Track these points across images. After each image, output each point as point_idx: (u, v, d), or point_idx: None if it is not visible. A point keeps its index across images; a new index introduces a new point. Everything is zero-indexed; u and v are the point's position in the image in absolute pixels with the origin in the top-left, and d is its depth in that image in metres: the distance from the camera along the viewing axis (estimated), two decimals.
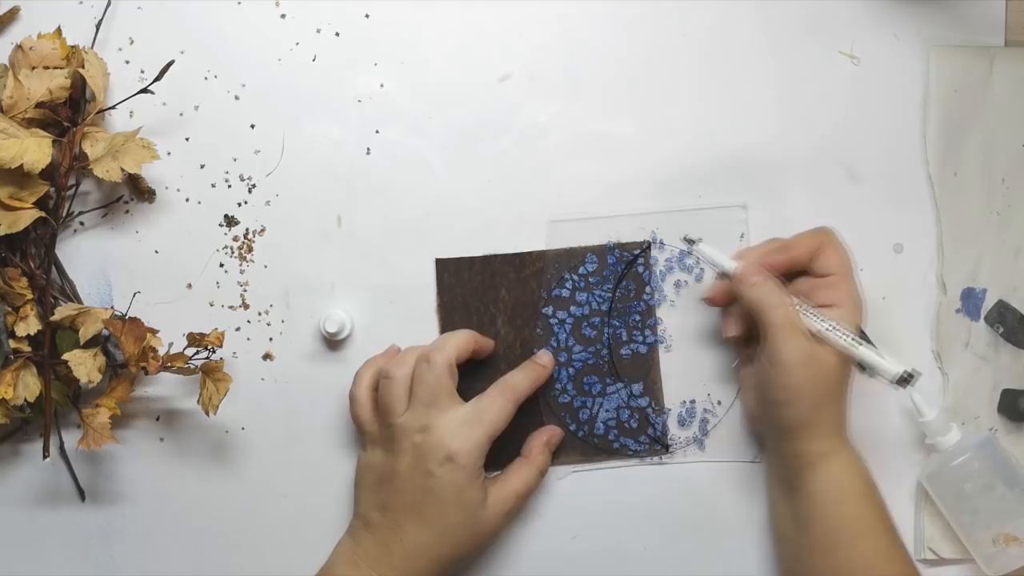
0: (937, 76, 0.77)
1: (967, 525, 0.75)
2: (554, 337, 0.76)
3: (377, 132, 0.76)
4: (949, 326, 0.78)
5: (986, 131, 0.78)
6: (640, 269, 0.77)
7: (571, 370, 0.77)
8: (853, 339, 0.70)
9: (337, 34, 0.76)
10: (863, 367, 0.71)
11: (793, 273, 0.73)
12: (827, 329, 0.69)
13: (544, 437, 0.76)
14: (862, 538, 0.69)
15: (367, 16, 0.76)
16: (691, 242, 0.74)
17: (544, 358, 0.75)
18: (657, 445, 0.77)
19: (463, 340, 0.73)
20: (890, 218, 0.78)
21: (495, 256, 0.77)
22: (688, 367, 0.77)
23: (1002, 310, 0.78)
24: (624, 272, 0.77)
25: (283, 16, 0.76)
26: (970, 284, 0.78)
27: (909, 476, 0.78)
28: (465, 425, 0.70)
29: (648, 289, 0.77)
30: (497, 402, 0.71)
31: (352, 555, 0.71)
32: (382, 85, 0.76)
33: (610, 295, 0.77)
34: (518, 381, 0.73)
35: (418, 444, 0.70)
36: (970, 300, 0.78)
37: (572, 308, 0.77)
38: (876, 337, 0.77)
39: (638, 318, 0.77)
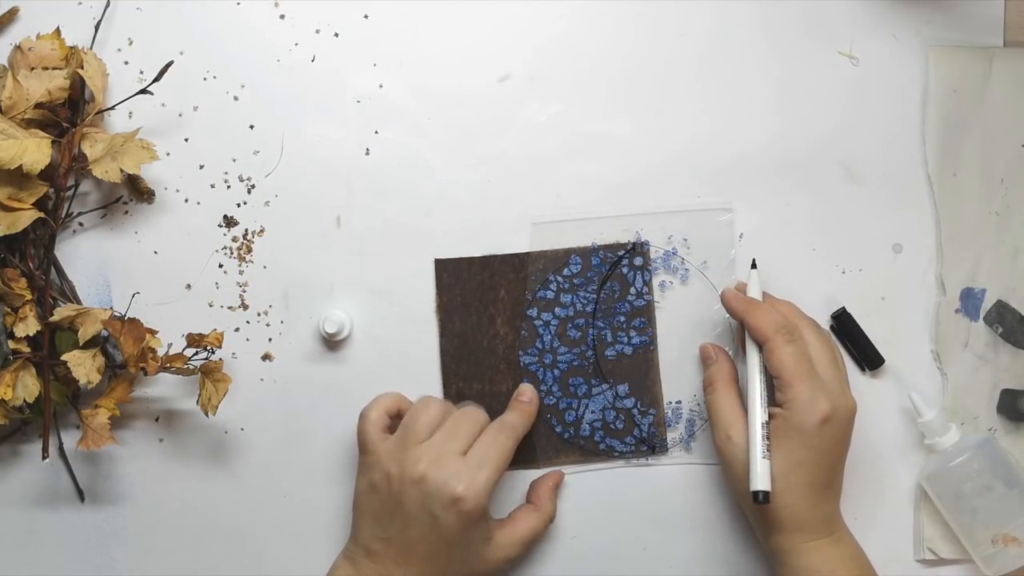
0: (936, 76, 0.77)
1: (966, 525, 0.75)
2: (539, 339, 0.76)
3: (376, 132, 0.76)
4: (948, 326, 0.78)
5: (985, 131, 0.78)
6: (624, 270, 0.77)
7: (556, 372, 0.77)
8: (758, 429, 0.70)
9: (336, 35, 0.76)
10: None
11: None
12: (748, 407, 0.71)
13: (549, 483, 0.76)
14: None
15: (366, 17, 0.76)
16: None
17: (526, 395, 0.75)
18: (644, 446, 0.77)
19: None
20: (889, 218, 0.78)
21: (494, 256, 0.77)
22: (673, 368, 0.77)
23: (1001, 310, 0.78)
24: (608, 273, 0.77)
25: (282, 17, 0.76)
26: (969, 284, 0.78)
27: (908, 476, 0.78)
28: (471, 468, 0.69)
29: (633, 290, 0.77)
30: (498, 439, 0.71)
31: None
32: (381, 85, 0.76)
33: (595, 296, 0.77)
34: (513, 419, 0.73)
35: (425, 479, 0.68)
36: (969, 300, 0.78)
37: (557, 310, 0.77)
38: (876, 338, 0.77)
39: (623, 319, 0.77)
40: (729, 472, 0.72)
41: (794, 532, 0.70)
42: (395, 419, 0.74)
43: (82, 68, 0.71)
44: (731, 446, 0.71)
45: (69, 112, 0.73)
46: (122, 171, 0.71)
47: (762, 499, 0.68)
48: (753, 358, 0.72)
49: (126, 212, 0.76)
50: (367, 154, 0.76)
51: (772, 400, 0.71)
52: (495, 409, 0.76)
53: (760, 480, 0.68)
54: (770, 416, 0.70)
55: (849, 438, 0.71)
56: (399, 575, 0.70)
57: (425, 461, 0.69)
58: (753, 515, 0.72)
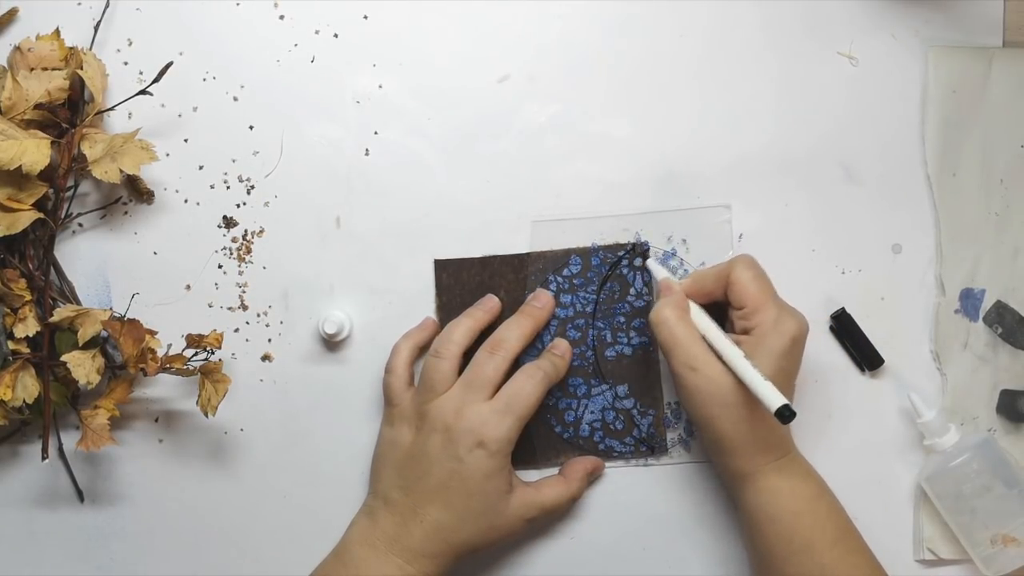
0: (935, 76, 0.77)
1: (965, 526, 0.75)
2: (539, 339, 0.76)
3: (376, 133, 0.76)
4: (948, 326, 0.78)
5: (984, 131, 0.78)
6: (624, 271, 0.77)
7: None
8: (742, 359, 0.68)
9: (336, 35, 0.76)
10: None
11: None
12: (715, 342, 0.70)
13: (588, 466, 0.76)
14: (797, 556, 0.69)
15: (366, 17, 0.76)
16: (644, 256, 0.76)
17: (559, 348, 0.75)
18: (643, 447, 0.77)
19: (527, 331, 0.74)
20: (889, 218, 0.78)
21: (494, 257, 0.77)
22: None
23: (1001, 310, 0.78)
24: (608, 274, 0.77)
25: (282, 17, 0.76)
26: (969, 284, 0.78)
27: (908, 477, 0.78)
28: (497, 413, 0.70)
29: (632, 291, 0.77)
30: (526, 386, 0.71)
31: (369, 534, 0.72)
32: (381, 86, 0.76)
33: (594, 297, 0.77)
34: (546, 366, 0.73)
35: (450, 427, 0.70)
36: (969, 300, 0.78)
37: (557, 310, 0.77)
38: (876, 339, 0.77)
39: (623, 319, 0.77)
40: (696, 400, 0.70)
41: (757, 455, 0.70)
42: (423, 352, 0.75)
43: (81, 69, 0.71)
44: (696, 376, 0.69)
45: (68, 113, 0.73)
46: (122, 172, 0.71)
47: (789, 415, 0.66)
48: (695, 307, 0.72)
49: (126, 213, 0.76)
50: (367, 154, 0.76)
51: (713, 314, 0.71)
52: None
53: (777, 397, 0.66)
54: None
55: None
56: (416, 522, 0.70)
57: (450, 410, 0.71)
58: (716, 441, 0.71)
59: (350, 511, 0.74)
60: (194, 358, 0.72)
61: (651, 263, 0.76)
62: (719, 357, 0.69)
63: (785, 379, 0.70)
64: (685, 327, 0.70)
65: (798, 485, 0.71)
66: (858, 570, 0.70)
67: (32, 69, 0.72)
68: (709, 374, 0.69)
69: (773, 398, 0.66)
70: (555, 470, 0.77)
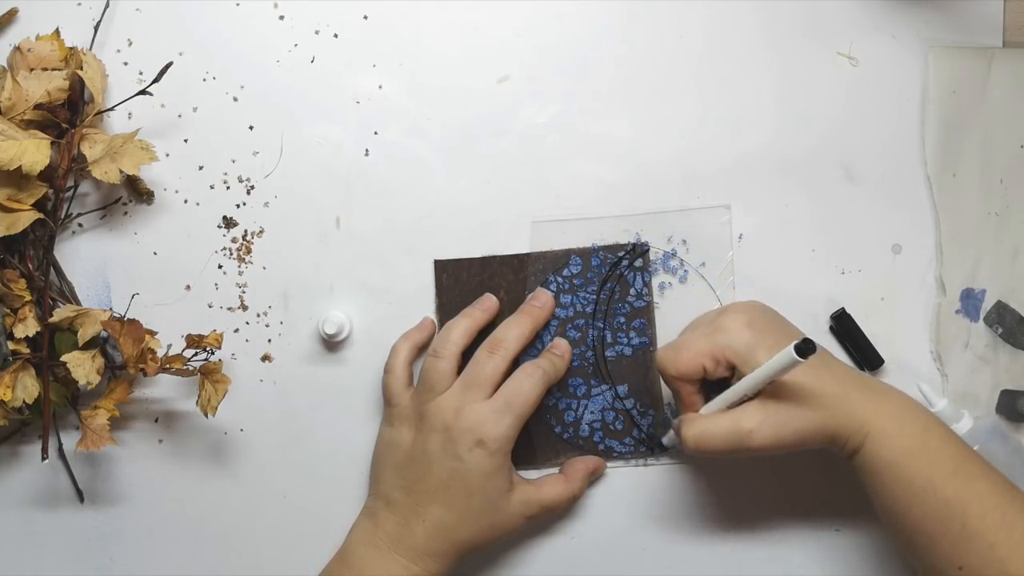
0: (935, 77, 0.77)
1: None
2: (539, 339, 0.76)
3: (376, 133, 0.76)
4: (948, 327, 0.78)
5: (984, 132, 0.78)
6: (624, 271, 0.77)
7: None
8: (749, 377, 0.67)
9: (336, 35, 0.76)
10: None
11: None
12: (731, 398, 0.68)
13: (589, 465, 0.76)
14: (919, 496, 0.66)
15: (366, 17, 0.76)
16: (661, 445, 0.76)
17: (559, 348, 0.75)
18: (643, 447, 0.77)
19: (526, 331, 0.74)
20: (889, 219, 0.78)
21: (494, 257, 0.77)
22: None
23: (1001, 311, 0.78)
24: (608, 274, 0.77)
25: (281, 17, 0.76)
26: (969, 285, 0.78)
27: None
28: (496, 412, 0.71)
29: (632, 291, 0.77)
30: (525, 385, 0.71)
31: (372, 535, 0.72)
32: (381, 86, 0.76)
33: (594, 297, 0.77)
34: (545, 365, 0.73)
35: (449, 426, 0.70)
36: (969, 301, 0.78)
37: (556, 310, 0.77)
38: (876, 339, 0.77)
39: (623, 320, 0.77)
40: (784, 443, 0.67)
41: (851, 414, 0.67)
42: (421, 352, 0.76)
43: (81, 69, 0.71)
44: (759, 432, 0.67)
45: (68, 113, 0.73)
46: (121, 172, 0.71)
47: (805, 347, 0.62)
48: (701, 408, 0.72)
49: (125, 213, 0.76)
50: (366, 155, 0.76)
51: (723, 387, 0.70)
52: None
53: (784, 354, 0.63)
54: (737, 377, 0.69)
55: (768, 307, 0.71)
56: (418, 522, 0.71)
57: (449, 409, 0.71)
58: (821, 441, 0.68)
59: (350, 511, 0.75)
60: (194, 358, 0.72)
61: (665, 440, 0.76)
62: (750, 399, 0.68)
63: (785, 338, 0.68)
64: (711, 424, 0.68)
65: (905, 423, 0.68)
66: (981, 498, 0.66)
67: (32, 69, 0.72)
68: (763, 418, 0.67)
69: (784, 359, 0.64)
70: (555, 471, 0.77)
